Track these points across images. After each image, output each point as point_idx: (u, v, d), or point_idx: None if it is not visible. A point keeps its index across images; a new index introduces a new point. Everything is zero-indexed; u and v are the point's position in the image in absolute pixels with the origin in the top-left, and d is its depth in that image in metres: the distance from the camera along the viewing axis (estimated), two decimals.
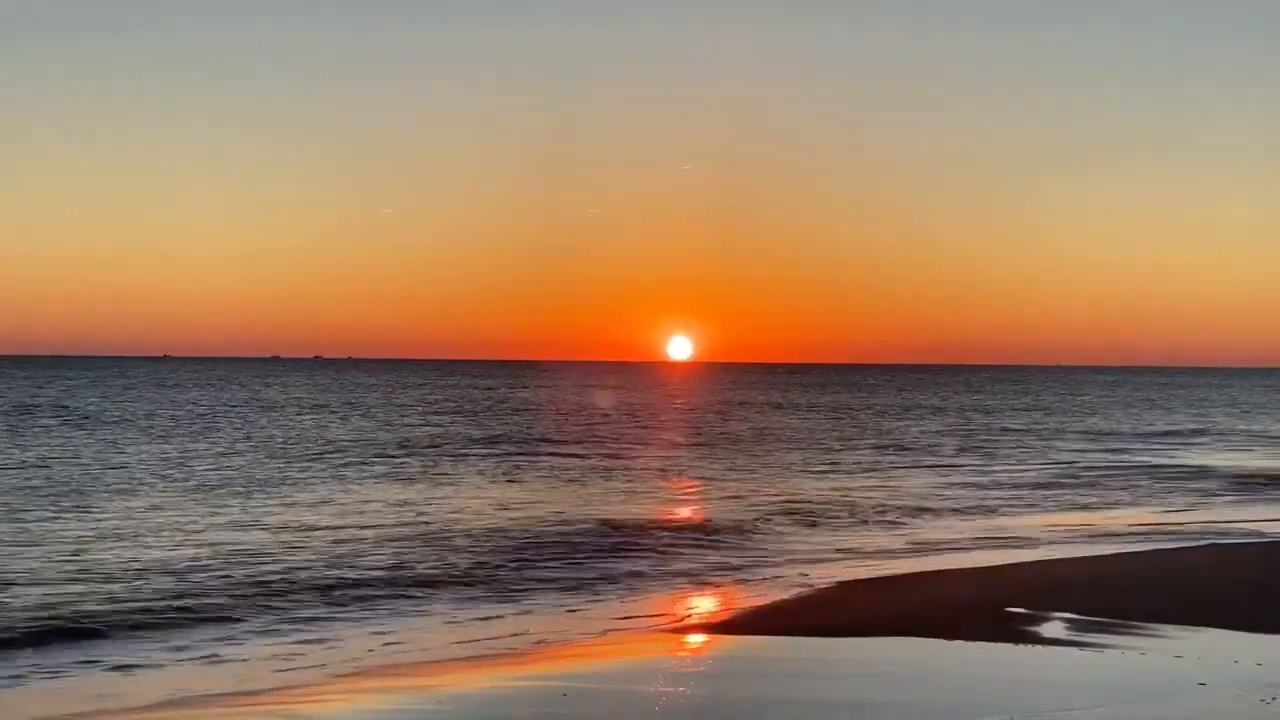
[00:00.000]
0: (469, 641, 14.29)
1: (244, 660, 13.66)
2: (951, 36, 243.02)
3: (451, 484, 33.51)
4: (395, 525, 24.90)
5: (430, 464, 39.11)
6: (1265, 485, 35.48)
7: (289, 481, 33.44)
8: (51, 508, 26.58)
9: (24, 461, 37.82)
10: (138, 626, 15.20)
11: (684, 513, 28.77)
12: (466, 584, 18.97)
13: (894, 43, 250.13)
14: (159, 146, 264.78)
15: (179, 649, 14.08)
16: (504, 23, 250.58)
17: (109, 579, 18.12)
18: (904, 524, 26.69)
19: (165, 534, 23.06)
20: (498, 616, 16.26)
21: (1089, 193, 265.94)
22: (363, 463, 39.39)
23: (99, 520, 24.71)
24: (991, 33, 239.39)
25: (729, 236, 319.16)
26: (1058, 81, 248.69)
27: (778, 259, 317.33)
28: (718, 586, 18.82)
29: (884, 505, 29.88)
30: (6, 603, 16.29)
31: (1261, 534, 24.21)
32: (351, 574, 19.18)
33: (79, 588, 17.36)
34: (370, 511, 27.10)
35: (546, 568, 20.51)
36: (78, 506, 26.90)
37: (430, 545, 22.36)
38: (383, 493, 30.94)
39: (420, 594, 17.95)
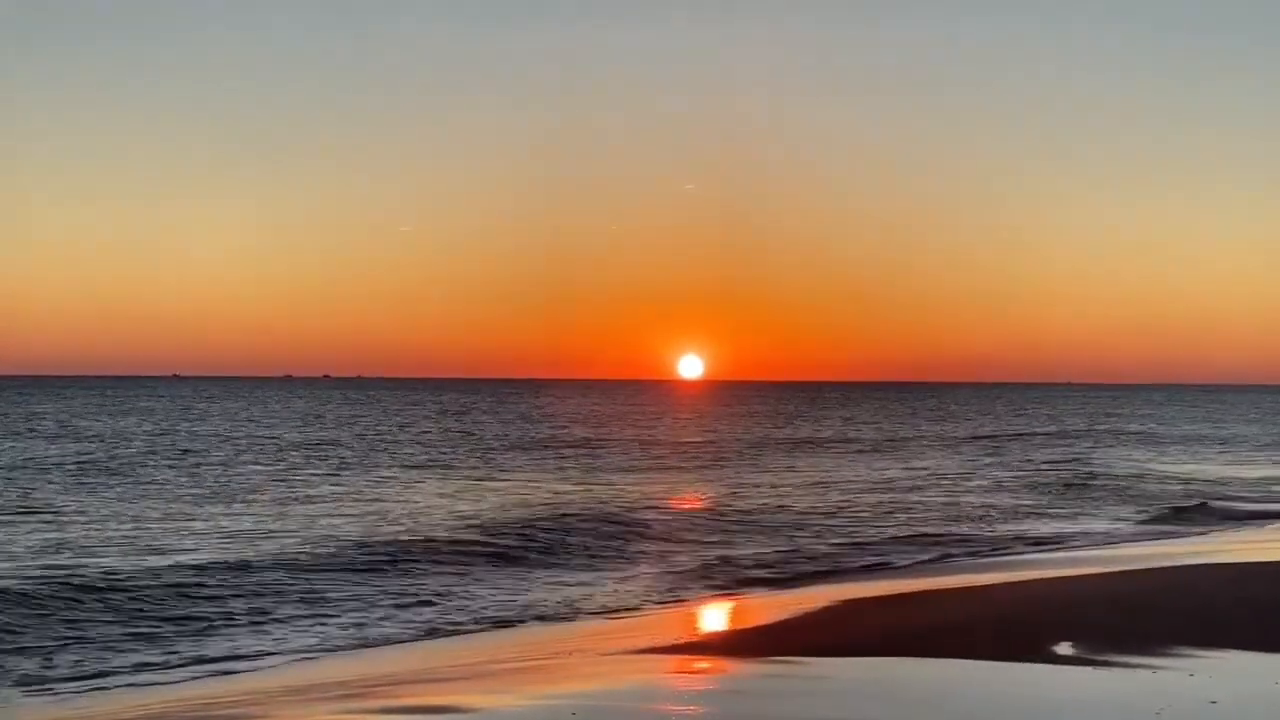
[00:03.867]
0: (477, 661, 14.23)
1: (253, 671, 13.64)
2: (957, 50, 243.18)
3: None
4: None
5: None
6: None
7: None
8: None
9: None
10: None
11: (694, 526, 28.73)
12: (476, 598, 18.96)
13: (900, 57, 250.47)
14: (170, 160, 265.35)
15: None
16: (521, 40, 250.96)
17: None
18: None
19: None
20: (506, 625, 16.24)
21: (1103, 209, 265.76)
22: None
23: None
24: (997, 46, 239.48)
25: (738, 255, 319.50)
26: (1066, 92, 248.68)
27: (787, 277, 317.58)
28: (725, 602, 18.76)
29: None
30: None
31: None
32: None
33: None
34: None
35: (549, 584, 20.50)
36: None
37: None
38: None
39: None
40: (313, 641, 16.31)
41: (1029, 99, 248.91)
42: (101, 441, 59.62)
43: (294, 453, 53.72)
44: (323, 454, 52.87)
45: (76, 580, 19.43)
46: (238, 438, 64.42)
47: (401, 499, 34.06)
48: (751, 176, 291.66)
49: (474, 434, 70.72)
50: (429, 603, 19.03)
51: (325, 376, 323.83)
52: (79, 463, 45.73)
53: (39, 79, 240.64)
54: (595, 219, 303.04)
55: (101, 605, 17.87)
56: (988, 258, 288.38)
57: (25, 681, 14.02)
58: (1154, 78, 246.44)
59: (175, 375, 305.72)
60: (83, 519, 28.55)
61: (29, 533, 25.72)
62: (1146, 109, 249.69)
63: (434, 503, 33.21)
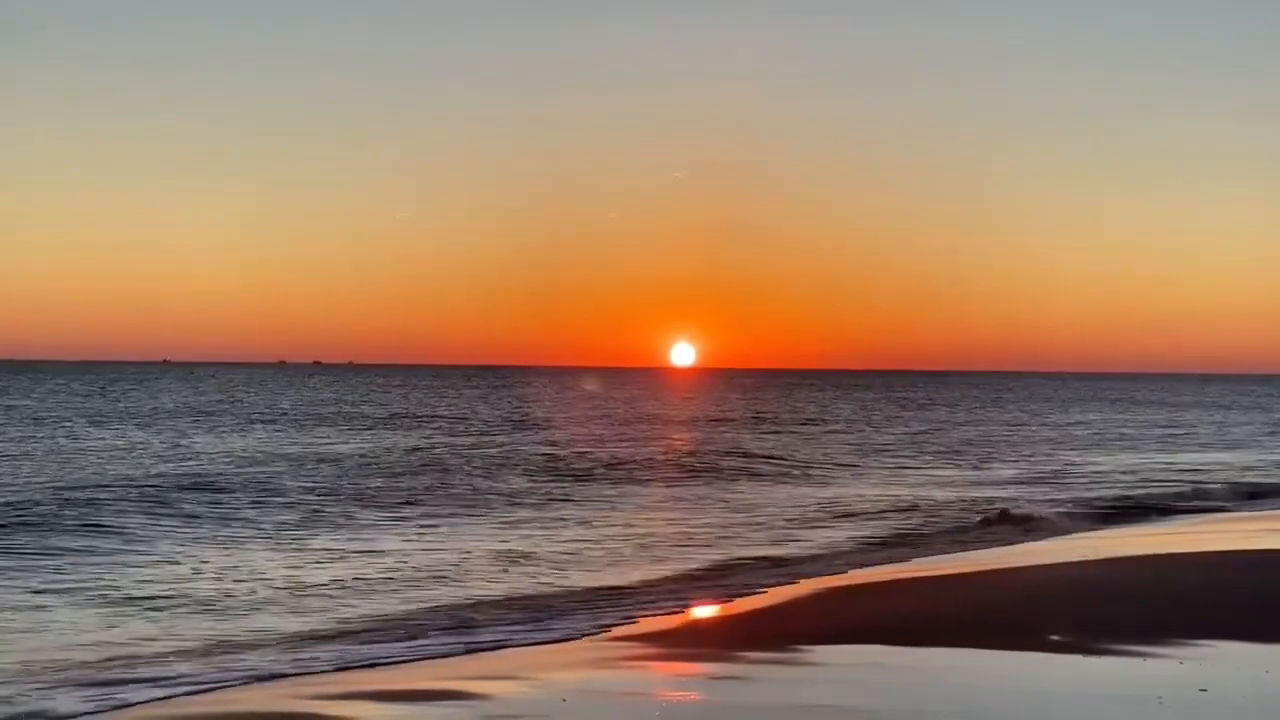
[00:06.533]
0: (469, 653, 14.22)
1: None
2: (948, 42, 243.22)
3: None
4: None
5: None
6: None
7: None
8: None
9: None
10: None
11: (685, 517, 28.77)
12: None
13: (888, 47, 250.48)
14: (164, 145, 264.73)
15: None
16: (517, 32, 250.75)
17: None
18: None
19: None
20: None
21: (1089, 199, 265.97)
22: None
23: None
24: (987, 37, 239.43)
25: (729, 243, 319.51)
26: (1060, 88, 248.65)
27: (778, 266, 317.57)
28: (714, 594, 18.79)
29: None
30: None
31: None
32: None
33: None
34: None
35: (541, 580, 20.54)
36: None
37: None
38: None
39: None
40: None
41: (1019, 90, 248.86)
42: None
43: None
44: None
45: None
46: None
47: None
48: (741, 165, 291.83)
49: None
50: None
51: (316, 363, 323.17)
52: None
53: (33, 65, 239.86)
54: (591, 207, 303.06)
55: None
56: (979, 246, 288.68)
57: None
58: (1144, 71, 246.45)
59: (165, 361, 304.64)
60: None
61: None
62: (1137, 102, 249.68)
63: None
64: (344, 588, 18.62)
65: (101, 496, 28.86)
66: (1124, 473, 43.05)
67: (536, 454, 45.25)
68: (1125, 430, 71.05)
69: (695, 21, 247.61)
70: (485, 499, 31.12)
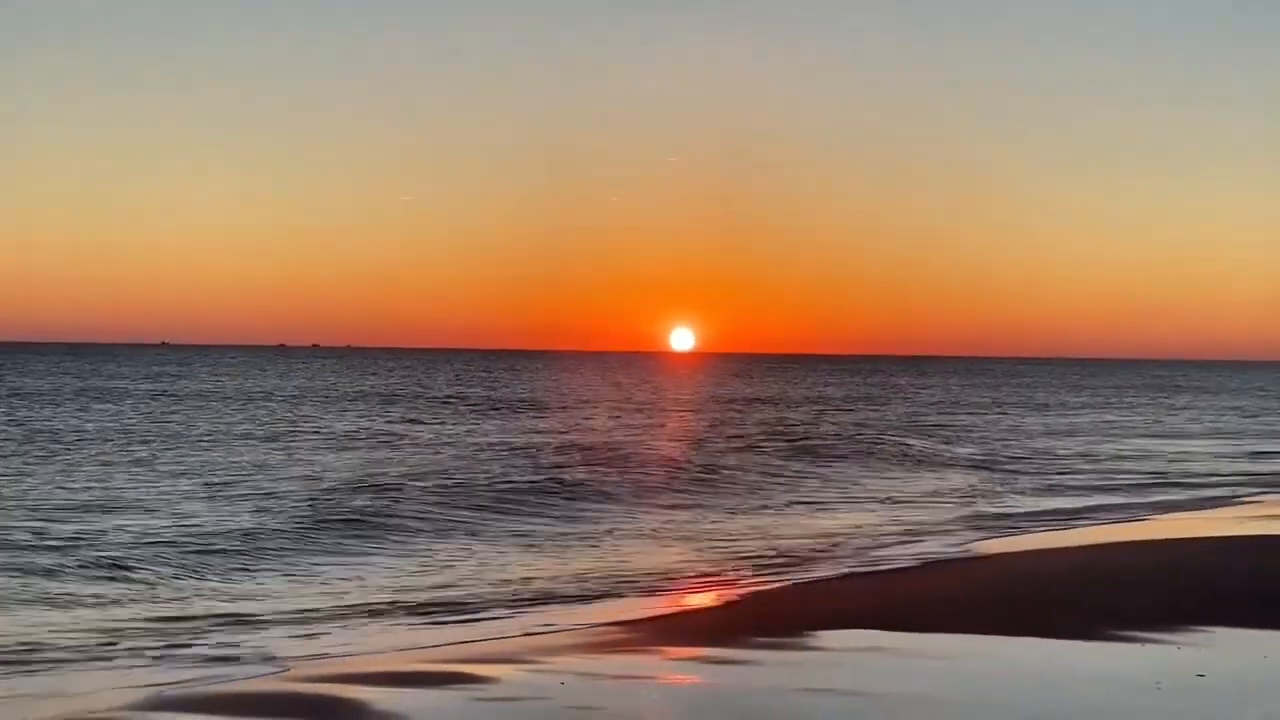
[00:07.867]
0: (469, 640, 14.24)
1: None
2: (946, 27, 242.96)
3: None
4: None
5: None
6: None
7: None
8: None
9: None
10: None
11: (687, 507, 28.82)
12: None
13: (887, 34, 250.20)
14: (165, 127, 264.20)
15: None
16: (517, 22, 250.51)
17: None
18: None
19: None
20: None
21: (1088, 186, 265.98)
22: None
23: None
24: (988, 23, 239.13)
25: (729, 229, 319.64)
26: (1054, 76, 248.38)
27: (777, 250, 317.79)
28: (711, 581, 18.83)
29: None
30: None
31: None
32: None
33: None
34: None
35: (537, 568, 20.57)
36: None
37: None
38: None
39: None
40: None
41: (1027, 77, 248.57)
42: None
43: None
44: None
45: None
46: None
47: None
48: (740, 151, 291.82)
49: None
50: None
51: (314, 346, 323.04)
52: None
53: (34, 49, 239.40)
54: (590, 193, 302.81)
55: None
56: (975, 234, 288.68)
57: None
58: (1136, 61, 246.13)
59: (164, 343, 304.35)
60: None
61: None
62: (1129, 92, 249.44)
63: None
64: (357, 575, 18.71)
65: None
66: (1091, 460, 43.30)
67: (556, 442, 45.13)
68: (1111, 416, 71.23)
69: (694, 13, 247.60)
70: (506, 489, 30.76)
